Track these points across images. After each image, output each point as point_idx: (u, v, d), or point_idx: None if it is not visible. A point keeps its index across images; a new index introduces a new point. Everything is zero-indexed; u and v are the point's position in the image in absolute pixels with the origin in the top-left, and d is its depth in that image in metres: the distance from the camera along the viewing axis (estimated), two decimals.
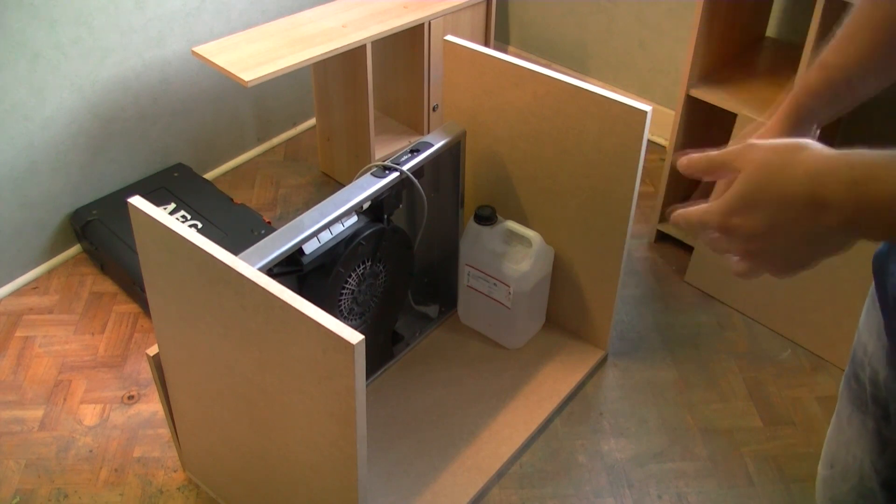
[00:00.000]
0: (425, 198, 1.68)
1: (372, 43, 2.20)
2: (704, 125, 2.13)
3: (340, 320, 1.02)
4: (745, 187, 0.61)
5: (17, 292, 2.14)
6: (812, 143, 0.59)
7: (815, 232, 0.58)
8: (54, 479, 1.68)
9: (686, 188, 2.34)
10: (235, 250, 1.19)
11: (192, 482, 1.67)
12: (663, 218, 2.29)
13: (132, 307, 2.10)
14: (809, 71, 0.80)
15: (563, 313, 1.97)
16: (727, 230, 0.63)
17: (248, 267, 1.10)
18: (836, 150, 0.58)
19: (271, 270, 1.38)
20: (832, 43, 0.79)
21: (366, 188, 1.52)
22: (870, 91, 0.80)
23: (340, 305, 1.62)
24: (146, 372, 1.92)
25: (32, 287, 2.16)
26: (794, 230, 0.59)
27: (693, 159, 0.69)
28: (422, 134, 2.60)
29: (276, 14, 2.45)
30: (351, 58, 2.24)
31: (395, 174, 1.57)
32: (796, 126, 0.80)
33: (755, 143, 0.63)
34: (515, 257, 1.80)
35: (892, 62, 0.78)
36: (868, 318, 0.85)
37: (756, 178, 0.60)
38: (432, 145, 1.65)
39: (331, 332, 1.00)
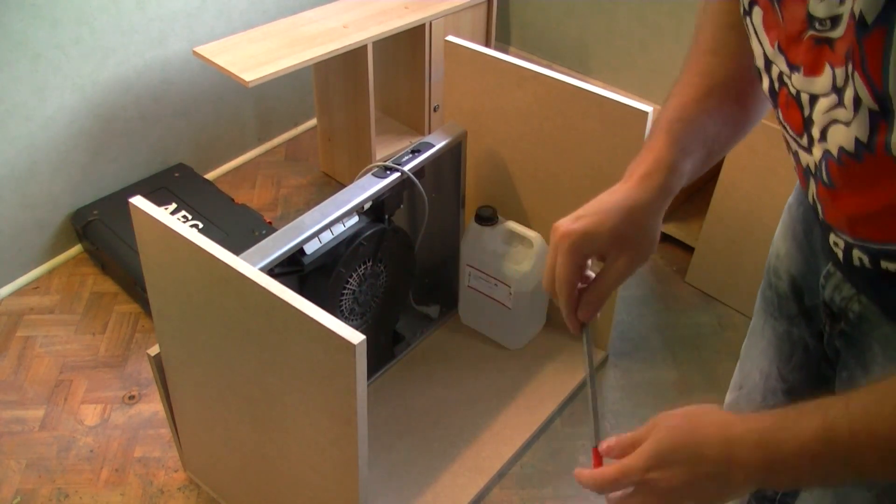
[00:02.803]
0: (426, 198, 1.68)
1: (373, 43, 2.20)
2: None
3: (341, 320, 1.02)
4: (659, 446, 0.66)
5: (18, 292, 2.14)
6: (716, 409, 0.66)
7: (726, 486, 0.63)
8: (55, 479, 1.68)
9: (686, 189, 2.34)
10: (236, 250, 1.19)
11: (193, 482, 1.68)
12: (664, 218, 2.28)
13: (133, 307, 2.10)
14: (669, 128, 0.79)
15: None
16: (645, 483, 0.67)
17: (249, 267, 1.10)
18: (740, 415, 0.64)
19: (272, 270, 1.38)
20: (678, 101, 0.80)
21: (367, 188, 1.52)
22: (732, 141, 0.85)
23: (341, 306, 1.62)
24: (147, 372, 1.92)
25: (33, 287, 2.16)
26: (707, 485, 0.64)
27: (607, 450, 0.76)
28: (423, 134, 2.60)
29: (277, 14, 2.45)
30: (352, 58, 2.24)
31: (396, 174, 1.57)
32: (670, 180, 0.79)
33: (663, 415, 0.69)
34: (516, 258, 1.80)
35: (748, 118, 0.84)
36: (782, 225, 0.92)
37: (670, 438, 0.66)
38: (433, 146, 1.65)
39: (332, 332, 1.00)
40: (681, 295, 2.17)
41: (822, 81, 0.64)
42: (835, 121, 0.64)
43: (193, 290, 1.22)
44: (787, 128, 0.71)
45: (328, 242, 1.53)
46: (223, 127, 2.54)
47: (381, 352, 1.85)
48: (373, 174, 1.56)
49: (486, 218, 1.80)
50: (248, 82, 1.94)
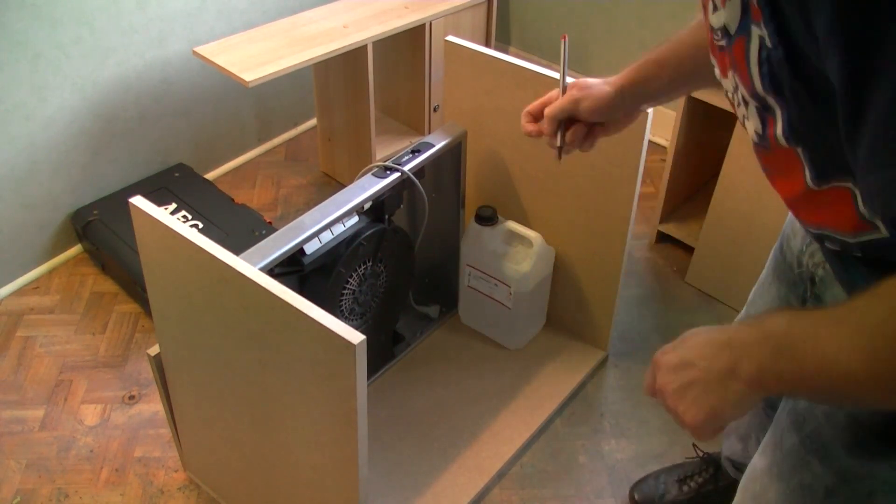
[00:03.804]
0: (426, 198, 1.68)
1: (373, 43, 2.20)
2: (704, 125, 2.13)
3: (341, 320, 1.02)
4: (680, 338, 0.79)
5: (18, 292, 2.15)
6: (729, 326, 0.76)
7: (725, 379, 0.71)
8: (55, 479, 1.68)
9: (686, 189, 2.34)
10: (236, 250, 1.19)
11: (193, 482, 1.68)
12: (664, 218, 2.29)
13: (133, 307, 2.10)
14: (643, 63, 1.04)
15: (564, 314, 1.97)
16: (657, 365, 0.80)
17: (249, 267, 1.10)
18: (743, 328, 0.73)
19: (272, 270, 1.38)
20: (662, 49, 1.03)
21: (367, 188, 1.52)
22: (683, 90, 1.09)
23: (341, 305, 1.62)
24: (147, 372, 1.92)
25: (33, 287, 2.16)
26: (711, 367, 0.72)
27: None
28: (423, 134, 2.60)
29: (277, 14, 2.45)
30: (352, 58, 2.24)
31: (396, 174, 1.57)
32: (623, 85, 1.05)
33: (688, 332, 0.80)
34: (516, 258, 1.80)
35: (695, 78, 1.02)
36: None
37: (690, 332, 0.78)
38: (433, 146, 1.65)
39: (332, 332, 1.00)
40: (681, 295, 2.17)
41: (728, 83, 0.73)
42: (744, 116, 0.74)
43: (193, 290, 1.22)
44: (733, 101, 0.79)
45: (328, 242, 1.53)
46: (223, 127, 2.54)
47: (381, 352, 1.85)
48: (373, 174, 1.56)
49: (486, 218, 1.80)
50: (248, 82, 1.94)
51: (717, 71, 0.76)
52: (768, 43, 0.62)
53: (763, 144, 0.73)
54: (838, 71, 0.56)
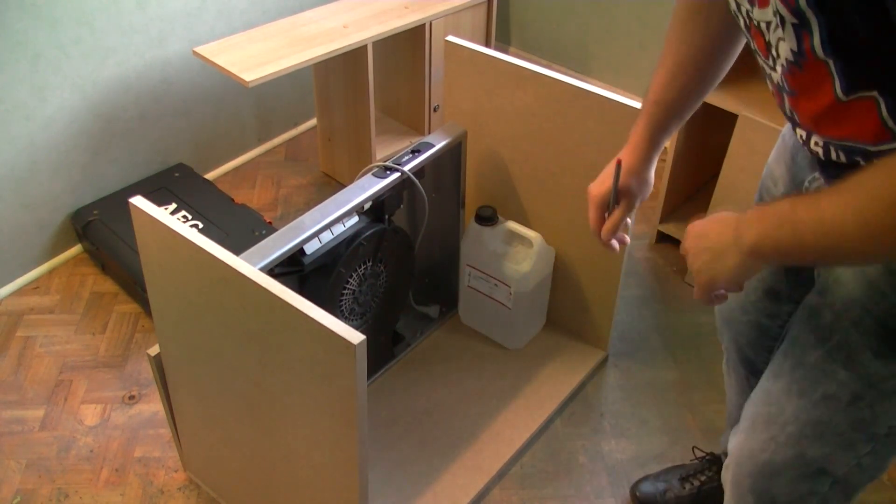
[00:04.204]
0: (426, 198, 1.68)
1: (373, 43, 2.20)
2: (704, 125, 2.13)
3: (341, 320, 1.02)
4: (693, 229, 0.96)
5: (18, 292, 2.15)
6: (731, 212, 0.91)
7: (728, 248, 0.88)
8: (55, 479, 1.68)
9: (686, 189, 2.34)
10: (236, 250, 1.19)
11: (193, 482, 1.68)
12: (664, 218, 2.29)
13: (133, 307, 2.10)
14: (648, 106, 1.11)
15: (564, 314, 1.97)
16: (687, 231, 0.96)
17: (249, 267, 1.10)
18: (753, 209, 0.87)
19: (272, 271, 1.38)
20: (659, 79, 1.09)
21: (367, 188, 1.53)
22: (698, 106, 1.13)
23: (341, 306, 1.62)
24: (147, 372, 1.92)
25: (33, 287, 2.16)
26: (720, 238, 0.89)
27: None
28: (423, 134, 2.60)
29: (277, 14, 2.45)
30: (352, 58, 2.24)
31: (396, 174, 1.57)
32: (651, 152, 1.13)
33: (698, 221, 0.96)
34: (516, 258, 1.80)
35: (709, 88, 1.10)
36: (776, 151, 1.14)
37: (701, 223, 0.95)
38: (433, 146, 1.65)
39: (332, 332, 1.00)
40: (681, 295, 2.17)
41: (768, 11, 0.81)
42: (780, 38, 0.81)
43: (193, 290, 1.22)
44: (758, 53, 0.89)
45: (328, 242, 1.53)
46: (223, 127, 2.54)
47: (381, 352, 1.85)
48: (373, 174, 1.56)
49: (486, 218, 1.80)
50: (248, 82, 1.94)
51: (755, 9, 0.83)
52: None
53: (796, 62, 0.81)
54: None
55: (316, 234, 1.44)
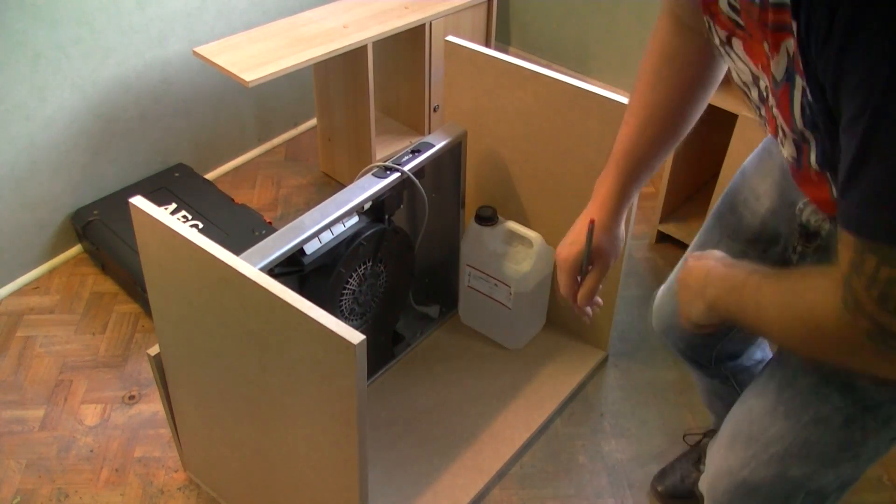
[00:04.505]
0: (426, 198, 1.68)
1: (373, 43, 2.20)
2: (704, 125, 2.13)
3: (341, 320, 1.02)
4: (704, 252, 1.00)
5: (18, 292, 2.15)
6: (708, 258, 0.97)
7: (697, 295, 0.94)
8: (55, 479, 1.68)
9: (686, 189, 2.34)
10: (237, 250, 1.19)
11: (193, 482, 1.68)
12: (664, 218, 2.29)
13: (133, 307, 2.10)
14: (617, 158, 1.07)
15: (564, 314, 1.97)
16: (684, 265, 1.01)
17: (249, 267, 1.10)
18: (725, 266, 0.93)
19: (272, 271, 1.38)
20: (627, 129, 1.06)
21: (367, 188, 1.53)
22: (669, 155, 1.11)
23: (341, 306, 1.62)
24: (147, 372, 1.92)
25: (33, 287, 2.16)
26: (694, 284, 0.95)
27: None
28: (423, 134, 2.60)
29: (277, 14, 2.45)
30: (352, 58, 2.24)
31: (396, 174, 1.57)
32: (622, 206, 1.09)
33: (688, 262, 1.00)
34: (516, 258, 1.80)
35: (680, 138, 1.08)
36: (761, 165, 1.13)
37: (708, 252, 0.99)
38: (433, 146, 1.65)
39: (332, 332, 1.00)
40: None
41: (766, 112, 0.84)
42: (781, 141, 0.85)
43: (193, 290, 1.22)
44: (767, 125, 0.89)
45: (328, 242, 1.53)
46: (223, 127, 2.55)
47: (381, 352, 1.85)
48: (373, 174, 1.56)
49: (486, 218, 1.80)
50: (248, 82, 1.94)
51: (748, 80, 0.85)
52: (809, 95, 0.71)
53: (795, 164, 0.84)
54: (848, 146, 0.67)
55: (316, 234, 1.44)
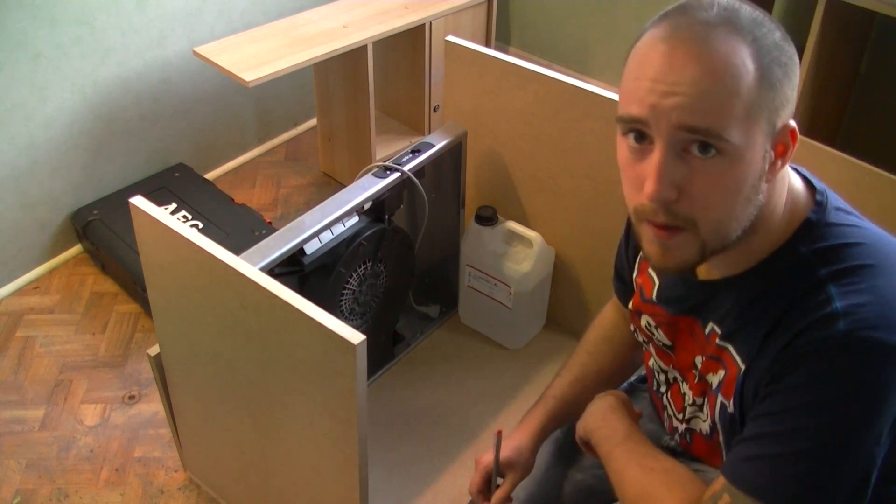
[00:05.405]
0: (426, 198, 1.68)
1: (373, 43, 2.20)
2: None
3: (341, 320, 1.02)
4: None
5: (18, 292, 2.15)
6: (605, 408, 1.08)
7: (588, 434, 1.06)
8: (55, 478, 1.68)
9: None
10: (237, 250, 1.19)
11: (193, 482, 1.68)
12: None
13: (133, 307, 2.10)
14: (548, 397, 1.21)
15: (564, 314, 1.97)
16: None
17: (249, 267, 1.10)
18: (616, 416, 1.05)
19: (272, 270, 1.38)
20: (563, 378, 1.22)
21: (367, 188, 1.53)
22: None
23: (341, 306, 1.62)
24: (147, 372, 1.92)
25: (33, 287, 2.16)
26: (589, 426, 1.07)
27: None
28: (423, 134, 2.60)
29: (277, 14, 2.45)
30: (352, 58, 2.24)
31: (397, 174, 1.57)
32: (539, 438, 1.19)
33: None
34: (516, 258, 1.80)
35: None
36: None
37: (603, 395, 1.11)
38: (433, 146, 1.65)
39: (332, 332, 1.00)
40: None
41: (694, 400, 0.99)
42: (693, 416, 1.00)
43: (193, 290, 1.22)
44: (670, 406, 1.05)
45: (328, 242, 1.53)
46: (223, 127, 2.55)
47: (381, 352, 1.85)
48: (373, 174, 1.56)
49: (486, 218, 1.80)
50: (249, 82, 1.94)
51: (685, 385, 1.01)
52: (729, 408, 0.89)
53: (704, 437, 0.98)
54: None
55: (316, 234, 1.44)
